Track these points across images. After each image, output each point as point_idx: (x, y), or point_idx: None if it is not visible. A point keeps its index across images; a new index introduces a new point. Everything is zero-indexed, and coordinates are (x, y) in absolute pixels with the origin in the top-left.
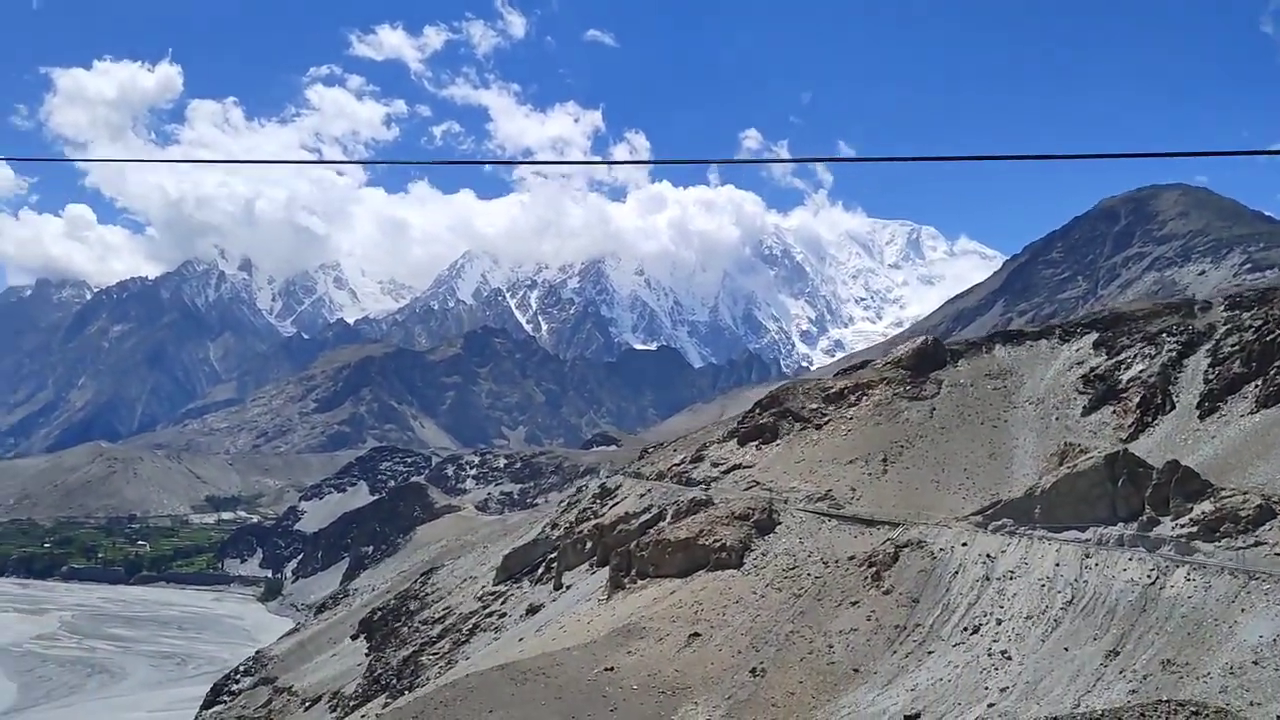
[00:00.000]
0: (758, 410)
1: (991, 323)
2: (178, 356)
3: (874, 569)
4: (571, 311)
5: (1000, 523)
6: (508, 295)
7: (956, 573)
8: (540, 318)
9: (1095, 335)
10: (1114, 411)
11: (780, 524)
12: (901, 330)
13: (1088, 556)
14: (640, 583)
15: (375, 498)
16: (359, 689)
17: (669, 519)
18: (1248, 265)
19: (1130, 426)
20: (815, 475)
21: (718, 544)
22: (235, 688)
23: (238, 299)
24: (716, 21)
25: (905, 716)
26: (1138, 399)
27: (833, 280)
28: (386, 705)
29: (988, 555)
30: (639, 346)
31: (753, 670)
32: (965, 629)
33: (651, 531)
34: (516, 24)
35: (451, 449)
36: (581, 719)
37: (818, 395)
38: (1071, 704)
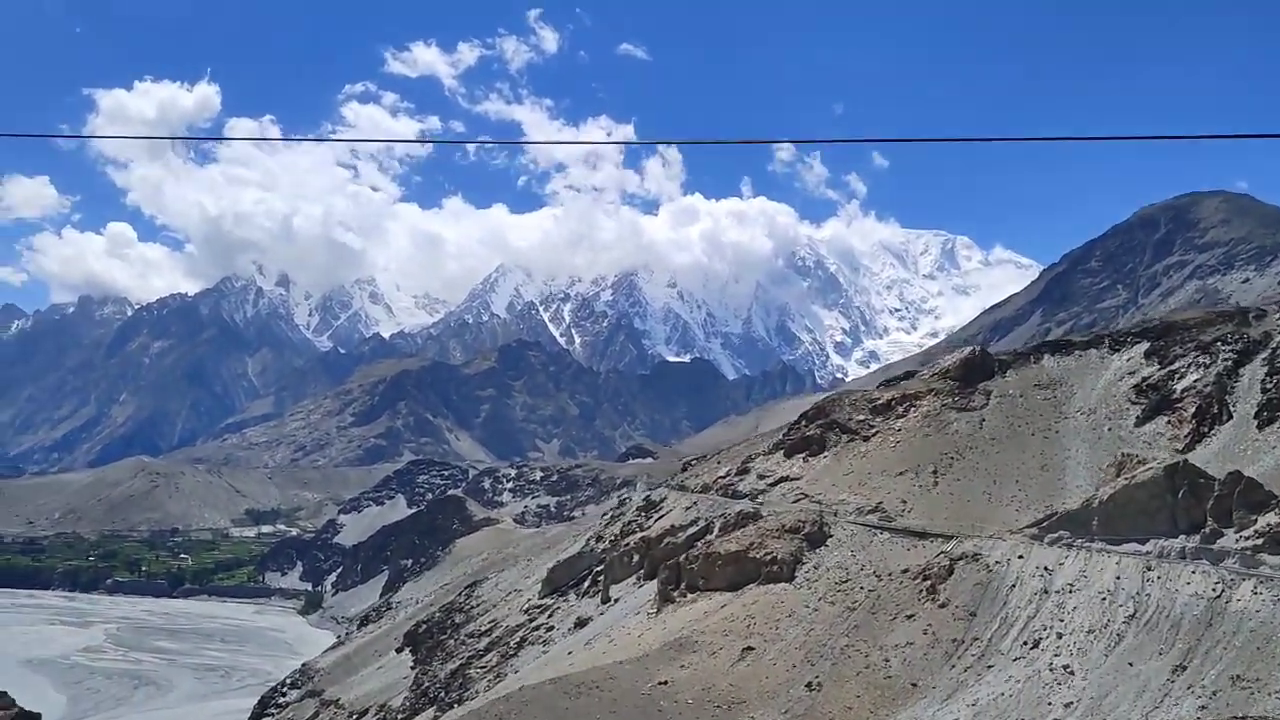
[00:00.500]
0: (804, 422)
1: (1029, 333)
2: (217, 372)
3: (929, 582)
4: (605, 324)
5: (1057, 535)
6: (541, 308)
7: (1014, 585)
8: (574, 330)
9: (1146, 344)
10: (1169, 422)
11: (831, 537)
12: (937, 341)
13: (1149, 569)
14: (690, 596)
15: (413, 510)
16: (406, 702)
17: (716, 532)
18: None
19: (1186, 437)
20: (865, 487)
21: (768, 557)
22: (282, 700)
23: (275, 314)
24: (748, 34)
25: None
26: (1193, 409)
27: (866, 291)
28: (437, 718)
29: (1045, 568)
30: (672, 359)
31: (808, 684)
32: (1025, 643)
33: (699, 544)
34: (549, 39)
35: (486, 462)
36: None
37: (864, 407)
38: None
